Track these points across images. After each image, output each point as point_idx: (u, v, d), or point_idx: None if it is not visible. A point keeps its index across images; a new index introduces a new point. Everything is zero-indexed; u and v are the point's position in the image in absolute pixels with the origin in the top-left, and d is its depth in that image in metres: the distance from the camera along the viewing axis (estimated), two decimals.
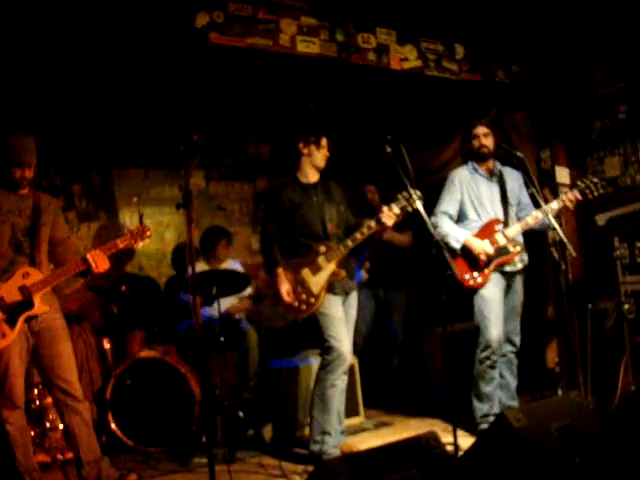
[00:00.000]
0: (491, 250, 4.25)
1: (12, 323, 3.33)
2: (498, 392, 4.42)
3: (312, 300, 3.92)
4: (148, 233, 3.56)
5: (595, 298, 4.78)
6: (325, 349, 3.96)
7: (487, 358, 4.27)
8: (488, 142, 4.41)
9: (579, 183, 4.22)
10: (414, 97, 5.55)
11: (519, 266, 4.42)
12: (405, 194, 3.83)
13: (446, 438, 3.41)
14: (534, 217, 4.24)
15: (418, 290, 6.03)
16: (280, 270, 3.97)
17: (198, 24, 4.11)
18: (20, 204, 3.51)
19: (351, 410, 4.76)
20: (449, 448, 3.08)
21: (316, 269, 3.95)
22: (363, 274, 5.86)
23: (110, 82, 4.80)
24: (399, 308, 5.94)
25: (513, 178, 4.52)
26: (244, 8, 4.27)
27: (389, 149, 3.67)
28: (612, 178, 5.04)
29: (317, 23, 4.54)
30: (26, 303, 3.36)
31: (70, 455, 4.13)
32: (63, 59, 4.33)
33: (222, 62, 4.57)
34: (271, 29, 4.35)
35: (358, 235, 3.93)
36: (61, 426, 4.20)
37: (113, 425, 4.52)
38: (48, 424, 4.22)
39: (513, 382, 4.48)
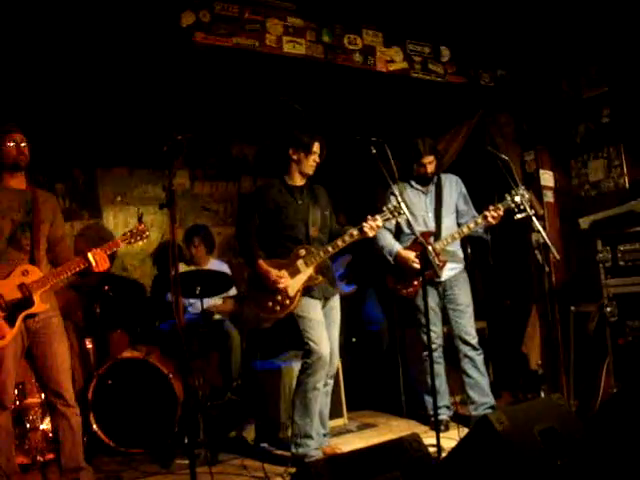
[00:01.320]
0: (416, 262, 4.39)
1: (11, 321, 3.29)
2: (470, 392, 4.55)
3: (287, 302, 3.92)
4: (147, 233, 3.58)
5: (578, 301, 4.81)
6: (305, 352, 3.96)
7: (427, 357, 4.31)
8: (432, 168, 4.62)
9: (506, 195, 4.27)
10: (400, 99, 5.55)
11: (450, 273, 4.59)
12: (390, 207, 3.87)
13: (429, 440, 3.43)
14: (461, 232, 4.45)
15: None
16: (262, 261, 3.96)
17: (184, 23, 4.08)
18: (19, 199, 3.47)
19: (334, 412, 4.75)
20: (432, 450, 3.07)
21: (294, 272, 3.95)
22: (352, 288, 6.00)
23: (94, 80, 4.76)
24: (374, 302, 6.17)
25: (452, 185, 4.70)
26: (230, 8, 4.25)
27: (374, 151, 3.68)
28: (596, 182, 5.08)
29: (303, 24, 4.53)
30: (25, 301, 3.32)
31: (50, 456, 4.10)
32: (48, 58, 4.29)
33: (208, 62, 4.54)
34: (257, 29, 4.33)
35: (339, 242, 3.94)
36: (41, 427, 4.18)
37: (95, 426, 4.49)
38: (28, 425, 4.17)
39: (482, 380, 4.55)
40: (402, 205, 3.76)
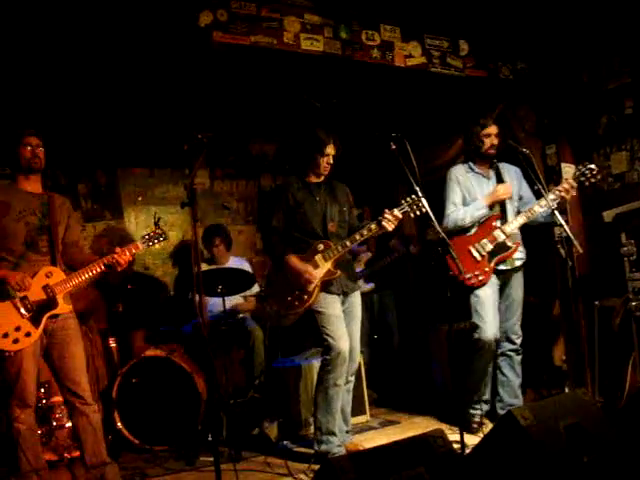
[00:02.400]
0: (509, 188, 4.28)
1: (37, 322, 3.37)
2: (500, 390, 4.43)
3: (305, 297, 3.92)
4: (164, 236, 3.72)
5: (602, 295, 4.75)
6: (324, 348, 3.96)
7: (481, 356, 4.27)
8: (497, 141, 4.41)
9: (575, 171, 4.20)
10: (418, 94, 5.53)
11: (517, 264, 4.43)
12: (409, 200, 3.82)
13: (452, 436, 3.42)
14: (531, 210, 4.25)
15: (421, 290, 6.11)
16: (293, 257, 3.95)
17: (201, 23, 4.09)
18: (34, 203, 3.53)
19: (356, 408, 4.74)
20: (456, 446, 3.06)
21: (313, 266, 3.95)
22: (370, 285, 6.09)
23: (115, 81, 4.80)
24: (392, 308, 6.18)
25: (511, 174, 4.52)
26: (247, 6, 4.25)
27: (394, 146, 3.65)
28: (619, 174, 5.00)
29: (321, 20, 4.52)
30: (50, 302, 3.39)
31: (77, 453, 4.15)
32: (69, 59, 4.33)
33: (226, 61, 4.56)
34: (275, 27, 4.33)
35: (357, 236, 3.93)
36: (68, 424, 4.23)
37: (119, 424, 4.53)
38: (55, 423, 4.23)
39: (515, 380, 4.47)
40: (422, 199, 3.73)
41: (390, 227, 3.87)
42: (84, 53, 4.23)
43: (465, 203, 4.44)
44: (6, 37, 3.89)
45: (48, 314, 3.40)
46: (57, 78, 4.63)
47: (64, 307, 3.46)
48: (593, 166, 4.17)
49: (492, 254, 4.27)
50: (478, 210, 4.36)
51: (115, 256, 3.50)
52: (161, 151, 5.82)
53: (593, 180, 4.18)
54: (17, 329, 3.31)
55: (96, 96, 5.02)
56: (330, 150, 4.05)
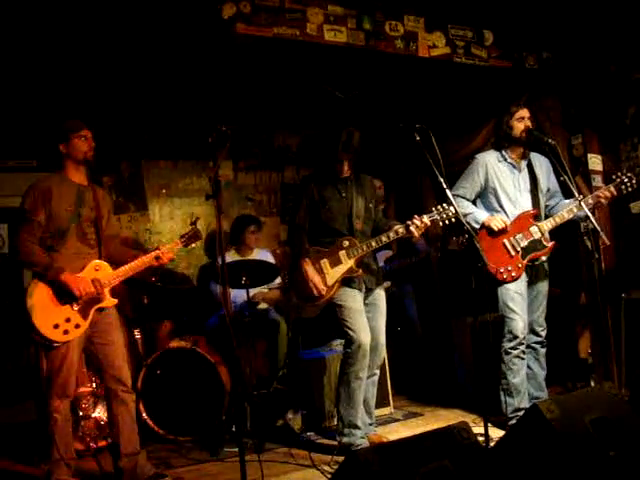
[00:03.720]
0: (507, 220, 4.18)
1: (85, 314, 3.43)
2: (526, 384, 4.38)
3: (324, 291, 3.93)
4: (200, 234, 3.83)
5: (629, 287, 4.69)
6: (346, 341, 3.97)
7: (513, 349, 4.22)
8: (531, 124, 4.27)
9: (614, 177, 4.12)
10: (443, 85, 5.48)
11: (543, 258, 4.35)
12: (440, 208, 3.79)
13: (476, 429, 3.40)
14: (570, 211, 4.14)
15: (445, 281, 6.09)
16: (306, 261, 3.96)
17: (225, 15, 4.10)
18: (84, 194, 3.57)
19: (380, 401, 4.74)
20: (480, 439, 3.05)
21: (335, 262, 3.95)
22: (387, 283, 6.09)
23: (140, 73, 4.83)
24: (412, 299, 6.18)
25: (542, 165, 4.40)
26: None
27: (418, 138, 3.63)
28: None
29: (344, 11, 4.50)
30: (98, 296, 3.45)
31: (103, 443, 4.22)
32: (93, 53, 4.37)
33: (249, 52, 4.56)
34: (298, 18, 4.33)
35: (384, 238, 3.92)
36: (94, 415, 4.29)
37: (144, 414, 4.57)
38: (81, 413, 4.28)
39: (541, 373, 4.42)
40: (452, 208, 3.68)
41: (417, 233, 3.84)
42: (112, 47, 4.26)
43: (497, 197, 4.32)
44: (30, 32, 3.94)
45: (96, 307, 3.47)
46: (83, 71, 4.67)
47: (111, 301, 3.54)
48: (630, 175, 4.10)
49: (526, 250, 4.20)
50: (477, 222, 4.27)
51: (160, 253, 3.62)
52: (185, 143, 5.85)
53: (631, 189, 4.09)
54: (67, 320, 3.36)
55: (121, 89, 5.06)
56: (353, 143, 4.02)
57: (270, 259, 5.50)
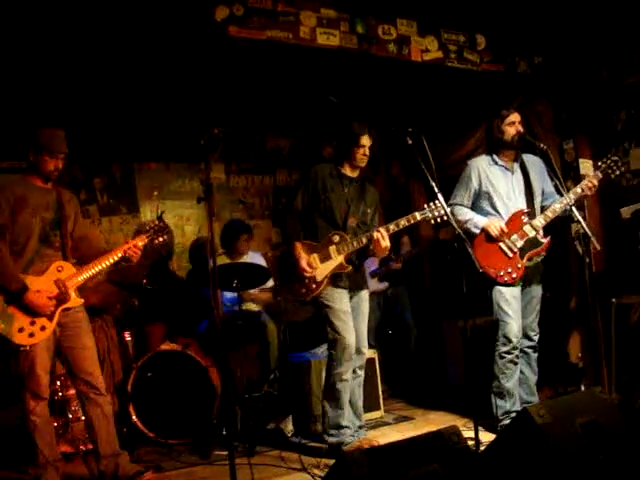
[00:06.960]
0: (503, 226, 4.17)
1: (50, 316, 3.42)
2: (518, 388, 4.38)
3: (313, 286, 3.94)
4: (168, 229, 3.73)
5: (619, 292, 4.71)
6: (330, 343, 3.98)
7: (508, 353, 4.22)
8: (522, 129, 4.26)
9: (600, 164, 4.10)
10: (435, 89, 5.50)
11: (537, 259, 4.32)
12: (432, 205, 3.78)
13: (467, 433, 3.41)
14: (561, 205, 4.10)
15: (437, 285, 6.11)
16: (298, 244, 3.97)
17: (218, 17, 4.10)
18: (46, 197, 3.56)
19: (371, 404, 4.74)
20: (470, 443, 3.05)
21: (325, 257, 3.96)
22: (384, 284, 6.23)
23: (131, 76, 4.82)
24: (406, 301, 6.28)
25: (536, 166, 4.37)
26: (263, 1, 4.25)
27: (410, 141, 3.63)
28: (637, 170, 4.95)
29: (337, 15, 4.51)
30: (62, 296, 3.44)
31: (92, 446, 4.19)
32: (85, 55, 4.35)
33: (242, 55, 4.55)
34: (291, 22, 4.33)
35: (375, 234, 3.91)
36: (83, 417, 4.26)
37: (134, 417, 4.55)
38: (71, 415, 4.27)
39: (532, 377, 4.42)
40: (443, 210, 3.68)
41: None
42: (102, 49, 4.25)
43: (490, 200, 4.32)
44: (23, 34, 3.92)
45: (61, 307, 3.45)
46: (74, 73, 4.66)
47: (76, 300, 3.53)
48: (616, 158, 4.07)
49: (523, 250, 4.20)
50: (477, 228, 4.27)
51: (125, 249, 3.56)
52: (177, 146, 5.84)
53: (618, 172, 4.05)
54: (32, 323, 3.35)
55: (112, 91, 5.04)
56: (365, 141, 4.03)
57: (262, 262, 5.48)
